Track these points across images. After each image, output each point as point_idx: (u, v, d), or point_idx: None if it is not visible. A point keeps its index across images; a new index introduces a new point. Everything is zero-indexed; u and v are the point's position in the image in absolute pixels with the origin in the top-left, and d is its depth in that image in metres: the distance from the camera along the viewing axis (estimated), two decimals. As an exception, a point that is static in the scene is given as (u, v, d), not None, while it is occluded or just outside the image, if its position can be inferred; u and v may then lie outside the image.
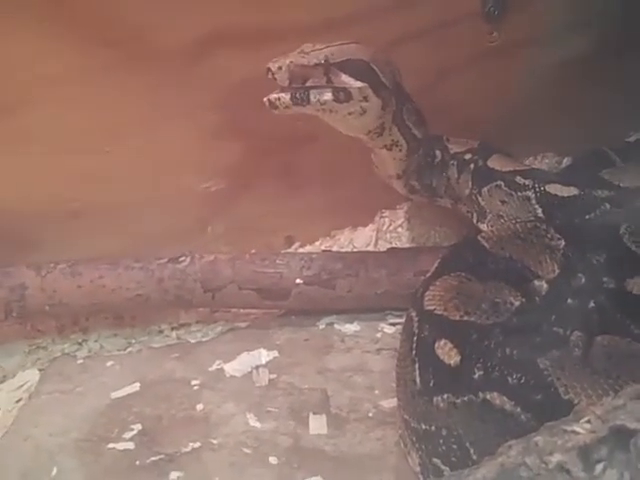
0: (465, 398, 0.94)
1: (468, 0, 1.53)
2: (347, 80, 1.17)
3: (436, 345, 0.99)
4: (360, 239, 1.64)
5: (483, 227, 1.42)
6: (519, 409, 0.89)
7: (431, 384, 0.99)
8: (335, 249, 1.61)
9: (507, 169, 1.38)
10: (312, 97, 1.14)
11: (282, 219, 1.58)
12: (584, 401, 0.81)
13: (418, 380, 1.01)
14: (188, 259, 1.35)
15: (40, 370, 1.36)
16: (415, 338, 1.05)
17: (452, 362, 0.96)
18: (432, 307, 1.05)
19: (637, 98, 1.74)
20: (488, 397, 0.91)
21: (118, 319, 1.44)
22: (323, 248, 1.61)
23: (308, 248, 1.61)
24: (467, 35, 1.55)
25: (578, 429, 0.64)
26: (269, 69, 1.11)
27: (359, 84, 1.18)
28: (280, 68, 1.11)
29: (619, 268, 1.16)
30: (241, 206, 1.52)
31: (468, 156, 1.46)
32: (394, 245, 1.64)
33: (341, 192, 1.59)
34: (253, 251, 1.52)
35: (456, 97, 1.59)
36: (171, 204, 1.44)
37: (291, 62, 1.12)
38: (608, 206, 1.30)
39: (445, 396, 0.96)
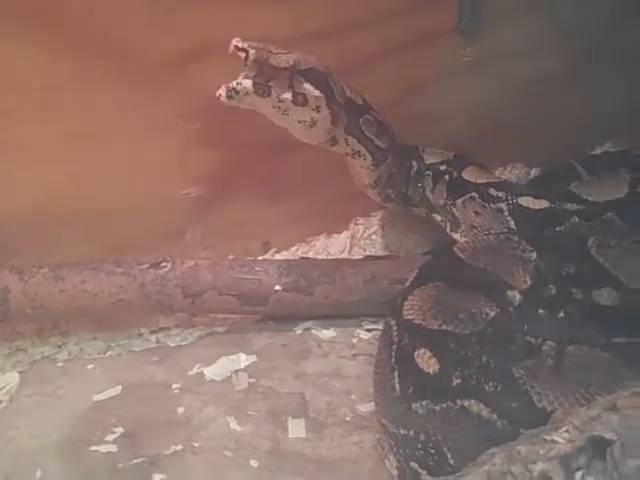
0: (444, 405, 0.98)
1: (444, 16, 1.58)
2: (308, 88, 1.21)
3: (415, 354, 1.03)
4: (335, 246, 1.68)
5: (456, 236, 1.47)
6: (495, 416, 0.94)
7: (410, 391, 1.02)
8: (311, 255, 1.64)
9: (481, 181, 1.43)
10: (273, 92, 1.18)
11: (259, 225, 1.61)
12: (560, 410, 0.84)
13: (397, 387, 1.05)
14: (169, 265, 1.37)
15: (20, 373, 1.37)
16: (394, 346, 1.08)
17: (431, 370, 1.00)
18: (411, 316, 1.09)
19: (604, 113, 1.81)
20: (466, 404, 0.96)
21: (98, 323, 1.45)
22: (299, 254, 1.64)
23: (284, 254, 1.64)
24: (442, 50, 1.59)
25: (558, 439, 0.68)
26: (244, 49, 1.14)
27: (317, 93, 1.22)
28: (255, 61, 1.14)
29: (587, 279, 1.21)
30: (219, 212, 1.55)
31: (443, 167, 1.51)
32: (368, 252, 1.67)
33: (317, 199, 1.62)
34: (231, 257, 1.56)
35: (430, 109, 1.63)
36: (152, 210, 1.46)
37: (265, 59, 1.15)
38: (577, 219, 1.35)
39: (424, 402, 1.00)
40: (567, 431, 0.69)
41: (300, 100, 1.20)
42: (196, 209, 1.52)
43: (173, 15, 1.36)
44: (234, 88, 1.16)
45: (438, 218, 1.52)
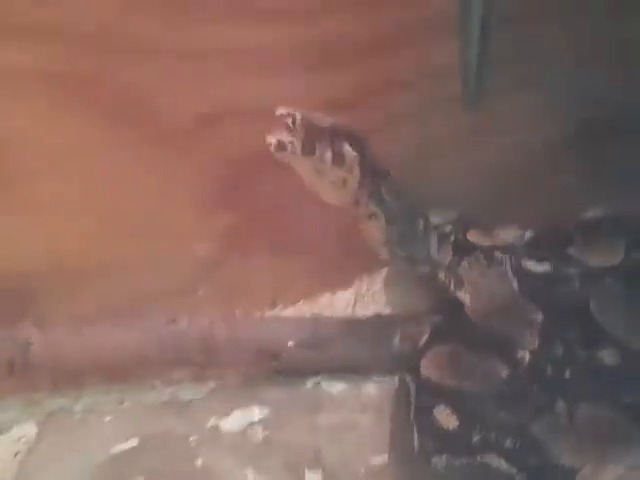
0: (464, 460, 1.03)
1: (448, 86, 1.66)
2: (345, 147, 1.27)
3: (435, 410, 1.08)
4: (340, 302, 1.73)
5: (460, 295, 1.53)
6: (515, 470, 0.99)
7: (430, 446, 1.07)
8: (316, 311, 1.69)
9: (486, 244, 1.50)
10: (317, 151, 1.22)
11: (267, 282, 1.65)
12: (587, 467, 0.90)
13: (416, 442, 1.10)
14: (186, 320, 1.41)
15: (37, 424, 1.39)
16: (413, 403, 1.13)
17: (450, 426, 1.05)
18: (429, 374, 1.15)
19: (596, 179, 1.90)
20: (486, 459, 1.01)
21: (111, 375, 1.48)
22: (305, 310, 1.69)
23: (290, 310, 1.69)
24: (446, 118, 1.67)
25: (590, 494, 0.73)
26: (291, 115, 1.18)
27: (354, 153, 1.28)
28: (302, 120, 1.18)
29: (590, 340, 1.27)
30: (229, 270, 1.59)
31: (448, 228, 1.57)
32: (371, 308, 1.73)
33: (322, 258, 1.68)
34: (238, 311, 1.61)
35: (433, 173, 1.70)
36: (166, 267, 1.51)
37: (309, 118, 1.20)
38: (577, 283, 1.42)
39: (444, 457, 1.05)
40: (598, 487, 0.74)
41: (339, 160, 1.25)
42: (208, 267, 1.56)
43: (191, 80, 1.42)
44: (284, 143, 1.19)
45: (442, 277, 1.58)
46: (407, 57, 1.57)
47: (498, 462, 1.00)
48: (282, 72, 1.48)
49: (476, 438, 1.02)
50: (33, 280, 1.41)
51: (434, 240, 1.57)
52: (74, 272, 1.44)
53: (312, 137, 1.21)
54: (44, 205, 1.39)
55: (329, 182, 1.30)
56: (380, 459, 1.28)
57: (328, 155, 1.24)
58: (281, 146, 1.19)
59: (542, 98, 1.72)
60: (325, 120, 1.24)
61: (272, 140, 1.19)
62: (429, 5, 1.53)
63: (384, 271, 1.79)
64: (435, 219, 1.60)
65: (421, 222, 1.57)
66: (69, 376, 1.46)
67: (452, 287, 1.54)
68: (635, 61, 1.74)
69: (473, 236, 1.52)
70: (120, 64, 1.36)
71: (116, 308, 1.45)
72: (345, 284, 1.76)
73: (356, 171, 1.30)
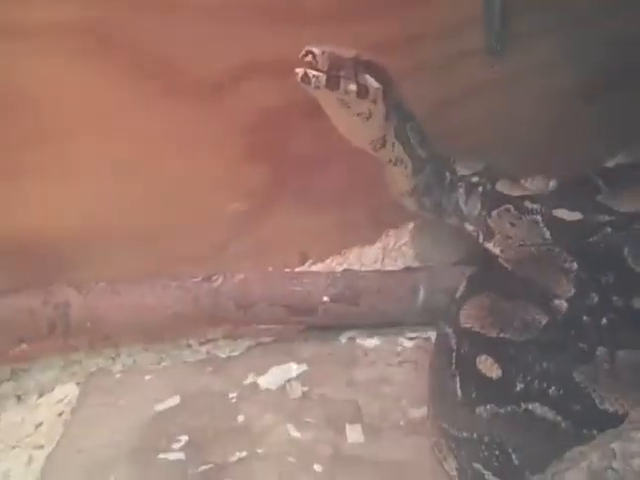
0: (508, 408, 1.04)
1: (472, 36, 1.65)
2: (369, 79, 1.27)
3: (477, 360, 1.09)
4: (368, 257, 1.74)
5: (489, 246, 1.53)
6: (560, 418, 1.00)
7: (473, 396, 1.08)
8: (345, 266, 1.70)
9: (516, 194, 1.50)
10: (341, 84, 1.22)
11: (296, 238, 1.67)
12: (635, 411, 0.91)
13: (459, 392, 1.11)
14: (221, 278, 1.42)
15: (78, 384, 1.42)
16: (454, 353, 1.14)
17: (494, 375, 1.06)
18: (469, 325, 1.15)
19: (617, 126, 1.89)
20: (530, 407, 1.02)
21: (147, 335, 1.50)
22: (334, 265, 1.70)
23: (320, 265, 1.71)
24: (471, 68, 1.66)
25: (646, 436, 0.74)
26: (311, 52, 1.18)
27: (377, 85, 1.28)
28: (323, 53, 1.19)
29: (626, 287, 1.28)
30: (259, 226, 1.61)
31: (475, 179, 1.57)
32: (399, 262, 1.74)
33: (350, 213, 1.70)
34: (270, 268, 1.62)
35: (458, 124, 1.70)
36: (199, 225, 1.52)
37: (331, 51, 1.20)
38: (609, 230, 1.42)
39: (488, 407, 1.06)
40: (651, 429, 0.75)
41: (363, 92, 1.25)
42: (240, 223, 1.58)
43: (222, 35, 1.42)
44: (309, 77, 1.19)
45: (470, 228, 1.58)
46: (431, 7, 1.55)
47: (542, 410, 1.01)
48: (307, 23, 1.48)
49: (520, 387, 1.03)
50: (69, 242, 1.42)
51: (462, 191, 1.57)
52: (108, 236, 1.45)
53: (336, 71, 1.21)
54: (77, 166, 1.40)
55: (355, 115, 1.29)
56: (419, 411, 1.30)
57: (352, 87, 1.24)
58: (306, 79, 1.19)
59: (565, 45, 1.71)
60: (348, 52, 1.24)
61: (299, 71, 1.19)
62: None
63: (411, 225, 1.79)
64: (462, 170, 1.59)
65: (447, 173, 1.57)
66: (107, 336, 1.48)
67: (481, 239, 1.55)
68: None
69: (502, 186, 1.52)
70: (150, 21, 1.36)
71: (151, 268, 1.46)
72: (373, 239, 1.77)
73: (380, 102, 1.30)
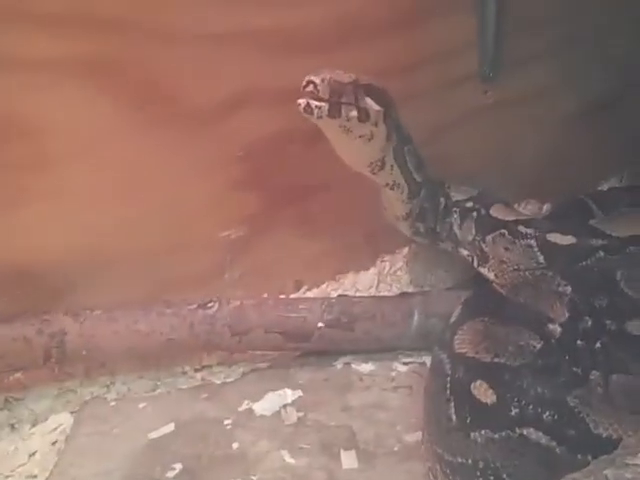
0: (503, 434, 1.03)
1: (465, 63, 1.67)
2: (369, 102, 1.27)
3: (472, 385, 1.09)
4: (363, 282, 1.74)
5: (483, 271, 1.54)
6: (554, 443, 1.00)
7: (468, 421, 1.08)
8: (340, 292, 1.70)
9: (509, 218, 1.51)
10: (343, 112, 1.23)
11: (291, 264, 1.68)
12: (632, 438, 0.91)
13: (454, 417, 1.11)
14: (216, 305, 1.42)
15: (72, 413, 1.41)
16: (448, 379, 1.14)
17: (489, 401, 1.06)
18: (463, 350, 1.15)
19: (611, 150, 1.91)
20: (525, 432, 1.02)
21: (142, 362, 1.49)
22: (329, 291, 1.71)
23: (315, 291, 1.71)
24: (466, 93, 1.68)
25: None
26: (312, 82, 1.19)
27: (377, 107, 1.28)
28: (323, 81, 1.19)
29: (619, 311, 1.28)
30: (255, 253, 1.61)
31: (470, 204, 1.58)
32: (394, 287, 1.74)
33: (345, 238, 1.70)
34: (265, 295, 1.62)
35: (453, 150, 1.71)
36: (193, 252, 1.52)
37: (331, 78, 1.20)
38: (602, 254, 1.43)
39: (483, 432, 1.05)
40: (647, 455, 0.75)
41: (364, 116, 1.25)
42: (234, 250, 1.58)
43: (216, 63, 1.43)
44: (312, 107, 1.19)
45: (465, 253, 1.59)
46: (425, 34, 1.58)
47: (537, 435, 1.01)
48: (302, 51, 1.49)
49: (514, 412, 1.03)
50: (65, 269, 1.42)
51: (456, 217, 1.58)
52: (105, 260, 1.45)
53: (337, 98, 1.21)
54: (72, 194, 1.39)
55: (357, 138, 1.29)
56: (414, 437, 1.30)
57: (353, 113, 1.24)
58: (309, 109, 1.20)
59: (557, 69, 1.73)
60: (348, 76, 1.24)
61: (301, 102, 1.20)
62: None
63: (405, 250, 1.80)
64: (456, 195, 1.60)
65: (442, 199, 1.59)
66: (102, 364, 1.48)
67: (476, 263, 1.55)
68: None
69: (496, 211, 1.53)
70: (146, 50, 1.37)
71: (145, 296, 1.46)
72: (368, 264, 1.78)
73: (381, 124, 1.31)
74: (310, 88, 1.19)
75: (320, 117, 1.21)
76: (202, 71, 1.43)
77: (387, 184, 1.44)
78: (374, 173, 1.40)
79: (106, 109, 1.38)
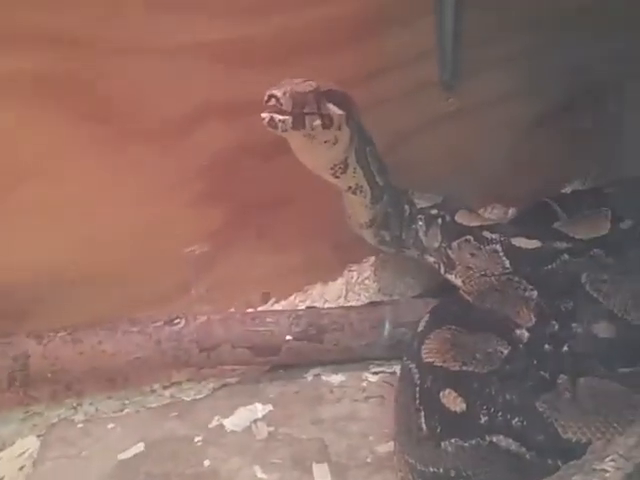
0: (473, 442, 1.03)
1: (426, 71, 1.67)
2: (331, 107, 1.27)
3: (441, 394, 1.08)
4: (331, 293, 1.74)
5: (450, 277, 1.54)
6: (524, 449, 1.00)
7: (438, 430, 1.08)
8: (308, 303, 1.70)
9: (474, 224, 1.51)
10: (307, 122, 1.23)
11: (258, 277, 1.67)
12: (599, 442, 0.91)
13: (424, 427, 1.10)
14: (183, 321, 1.41)
15: (39, 436, 1.38)
16: (417, 388, 1.14)
17: (458, 409, 1.06)
18: (431, 359, 1.15)
19: (573, 153, 1.93)
20: (494, 440, 1.01)
21: (110, 381, 1.48)
22: (297, 302, 1.70)
23: (283, 303, 1.70)
24: (427, 100, 1.68)
25: (607, 467, 0.75)
26: (274, 96, 1.19)
27: (340, 112, 1.28)
28: (285, 94, 1.19)
29: (585, 314, 1.29)
30: (221, 267, 1.60)
31: (434, 211, 1.58)
32: (363, 297, 1.74)
33: (312, 249, 1.70)
34: (232, 309, 1.61)
35: (415, 157, 1.71)
36: (159, 268, 1.51)
37: (292, 89, 1.20)
38: (567, 257, 1.44)
39: (453, 441, 1.05)
40: (613, 460, 0.75)
41: (327, 122, 1.25)
42: (200, 265, 1.57)
43: (177, 79, 1.43)
44: (275, 121, 1.19)
45: (431, 260, 1.59)
46: (386, 43, 1.58)
47: (507, 442, 1.01)
48: (262, 64, 1.49)
49: (484, 419, 1.03)
50: (26, 291, 1.40)
51: (421, 224, 1.58)
52: (66, 281, 1.43)
53: (300, 109, 1.21)
54: (38, 211, 1.38)
55: (322, 143, 1.29)
56: (386, 447, 1.30)
57: (317, 122, 1.24)
58: (272, 123, 1.20)
59: (518, 76, 1.74)
60: (309, 85, 1.24)
61: (265, 117, 1.20)
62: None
63: (373, 259, 1.80)
64: (421, 203, 1.60)
65: (407, 206, 1.58)
66: (68, 386, 1.46)
67: (443, 270, 1.56)
68: (611, 34, 1.76)
69: (461, 218, 1.54)
70: (102, 66, 1.36)
71: (111, 314, 1.44)
72: (336, 274, 1.77)
73: (344, 127, 1.31)
74: (272, 102, 1.19)
75: (285, 130, 1.21)
76: (161, 86, 1.42)
77: (349, 187, 1.44)
78: (337, 176, 1.39)
79: (66, 126, 1.37)
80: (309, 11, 1.52)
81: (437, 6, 1.63)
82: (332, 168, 1.38)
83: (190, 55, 1.43)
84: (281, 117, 1.20)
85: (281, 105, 1.19)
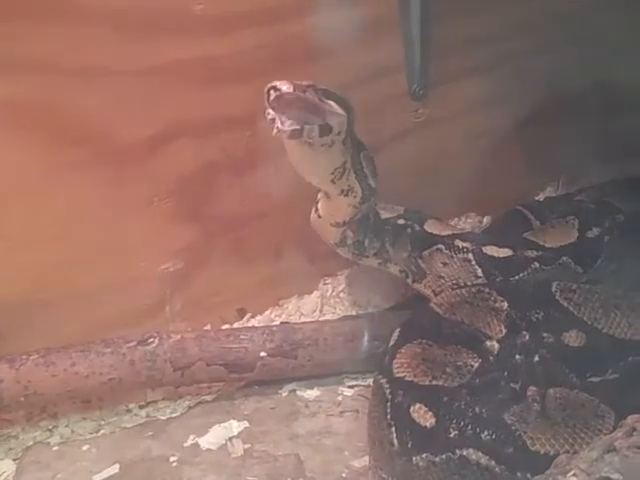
0: (443, 456, 1.04)
1: (396, 83, 1.68)
2: (333, 105, 1.23)
3: (411, 409, 1.09)
4: (307, 306, 1.74)
5: (419, 287, 1.54)
6: (493, 462, 1.00)
7: (409, 445, 1.08)
8: (284, 317, 1.70)
9: (445, 233, 1.52)
10: (304, 133, 1.18)
11: (233, 293, 1.67)
12: (563, 455, 0.92)
13: (396, 442, 1.11)
14: (157, 340, 1.41)
15: (14, 460, 1.38)
16: (389, 403, 1.14)
17: (428, 424, 1.07)
18: (402, 374, 1.16)
19: (543, 161, 1.95)
20: (464, 453, 1.02)
21: (85, 402, 1.47)
22: (273, 317, 1.70)
23: (259, 318, 1.70)
24: (396, 112, 1.69)
25: (569, 482, 0.75)
26: (273, 87, 1.15)
27: (341, 111, 1.25)
28: (282, 97, 1.14)
29: (555, 323, 1.30)
30: (196, 284, 1.60)
31: (401, 221, 1.56)
32: (338, 310, 1.74)
33: (285, 264, 1.70)
34: (208, 325, 1.61)
35: (386, 168, 1.71)
36: (132, 287, 1.51)
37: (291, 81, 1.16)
38: (537, 265, 1.45)
39: (424, 455, 1.06)
40: (575, 475, 0.76)
41: (325, 131, 1.21)
42: (173, 283, 1.57)
43: (146, 99, 1.43)
44: (301, 130, 1.16)
45: (396, 269, 1.57)
46: (354, 55, 1.59)
47: (476, 455, 1.01)
48: (229, 81, 1.49)
49: (454, 433, 1.03)
50: (1, 312, 1.39)
51: (388, 234, 1.56)
52: (42, 301, 1.43)
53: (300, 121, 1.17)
54: (9, 234, 1.38)
55: (319, 148, 1.25)
56: (361, 461, 1.30)
57: (315, 131, 1.19)
58: (297, 133, 1.16)
59: (488, 85, 1.75)
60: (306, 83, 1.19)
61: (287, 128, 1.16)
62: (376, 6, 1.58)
63: (347, 272, 1.80)
64: (384, 213, 1.57)
65: (371, 215, 1.53)
66: (42, 409, 1.45)
67: (411, 280, 1.55)
68: (585, 41, 1.78)
69: (431, 227, 1.54)
70: (69, 90, 1.36)
71: (85, 335, 1.44)
72: (310, 288, 1.78)
73: (342, 132, 1.27)
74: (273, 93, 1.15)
75: (311, 138, 1.19)
76: (131, 106, 1.42)
77: (342, 190, 1.38)
78: (334, 182, 1.35)
79: (36, 150, 1.37)
80: (278, 28, 1.52)
81: (404, 17, 1.64)
82: (332, 173, 1.33)
83: (159, 75, 1.43)
84: (283, 128, 1.15)
85: (282, 92, 1.14)
